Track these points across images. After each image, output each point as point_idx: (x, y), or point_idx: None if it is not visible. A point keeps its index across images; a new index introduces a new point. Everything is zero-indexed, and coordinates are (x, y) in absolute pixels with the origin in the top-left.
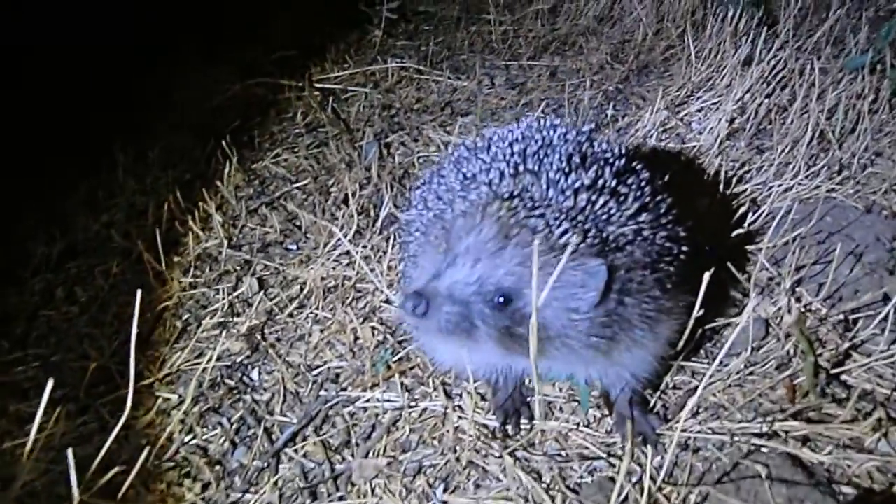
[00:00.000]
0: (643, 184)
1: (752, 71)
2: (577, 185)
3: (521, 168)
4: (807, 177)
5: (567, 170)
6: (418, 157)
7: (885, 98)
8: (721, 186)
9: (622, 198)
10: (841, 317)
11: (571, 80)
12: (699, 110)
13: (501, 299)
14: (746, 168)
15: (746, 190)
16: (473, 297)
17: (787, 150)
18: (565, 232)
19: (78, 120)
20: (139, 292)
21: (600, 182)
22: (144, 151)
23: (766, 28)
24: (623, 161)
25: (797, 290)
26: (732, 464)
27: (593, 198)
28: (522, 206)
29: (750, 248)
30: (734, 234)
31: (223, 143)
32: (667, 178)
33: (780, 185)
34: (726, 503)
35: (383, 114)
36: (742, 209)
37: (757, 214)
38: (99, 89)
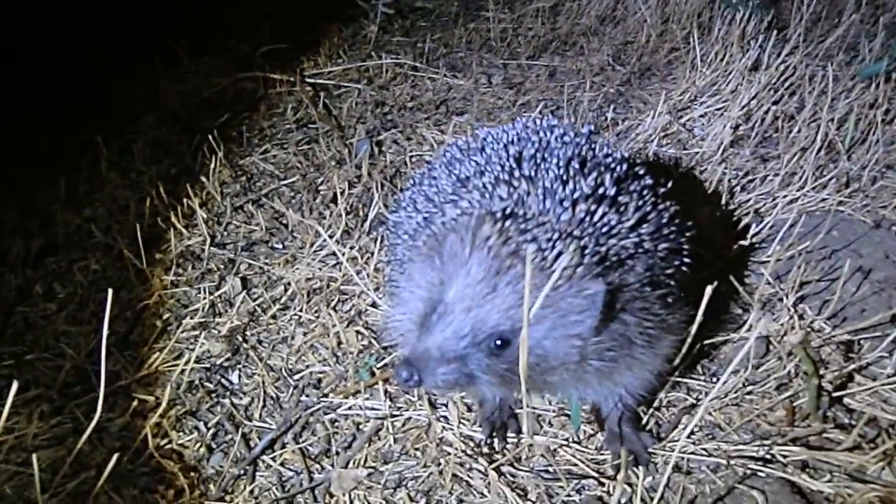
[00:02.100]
0: (644, 192)
1: (758, 76)
2: (575, 195)
3: (516, 174)
4: (813, 188)
5: (565, 177)
6: (410, 156)
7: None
8: (723, 196)
9: (622, 208)
10: (846, 337)
11: (571, 81)
12: (702, 116)
13: (499, 342)
14: (750, 177)
15: (750, 200)
16: (469, 349)
17: (793, 160)
18: (559, 254)
19: (63, 113)
20: (109, 291)
21: (600, 191)
22: (129, 146)
23: (775, 32)
24: (625, 166)
25: (800, 306)
26: (727, 488)
27: (592, 208)
28: (515, 229)
29: (752, 261)
30: (736, 246)
31: (210, 137)
32: (670, 184)
33: (785, 197)
34: None
35: (376, 111)
36: (745, 220)
37: (760, 226)
38: (85, 83)
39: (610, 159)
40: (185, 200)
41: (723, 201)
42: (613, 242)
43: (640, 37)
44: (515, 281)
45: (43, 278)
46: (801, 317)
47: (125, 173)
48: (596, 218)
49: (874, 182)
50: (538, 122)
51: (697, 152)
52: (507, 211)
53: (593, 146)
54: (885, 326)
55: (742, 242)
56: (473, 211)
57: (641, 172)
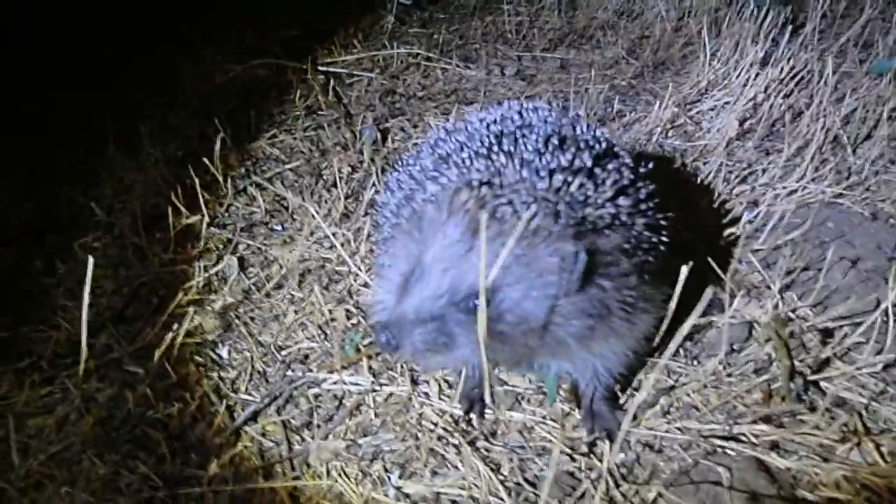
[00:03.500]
0: (622, 169)
1: (767, 71)
2: (552, 165)
3: (495, 149)
4: (813, 180)
5: (543, 150)
6: (414, 144)
7: None
8: (724, 186)
9: (600, 181)
10: (828, 323)
11: (582, 74)
12: (711, 109)
13: (476, 302)
14: (752, 169)
15: (749, 191)
16: (446, 308)
17: (796, 153)
18: (534, 215)
19: (73, 94)
20: (90, 259)
21: (577, 164)
22: (138, 128)
23: (791, 28)
24: (604, 145)
25: (786, 293)
26: (694, 464)
27: (569, 179)
28: (491, 195)
29: (744, 249)
30: (728, 233)
31: (216, 121)
32: (650, 165)
33: (784, 188)
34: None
35: (385, 99)
36: (740, 209)
37: (755, 216)
38: (99, 65)
39: (590, 138)
40: (188, 182)
41: (722, 191)
42: (590, 211)
43: (655, 31)
44: (491, 240)
45: (44, 254)
46: (786, 303)
47: (132, 154)
48: (573, 188)
49: (876, 175)
50: (523, 103)
51: (702, 144)
52: (484, 180)
53: (575, 127)
54: (868, 313)
55: (734, 230)
56: (452, 185)
57: (621, 152)
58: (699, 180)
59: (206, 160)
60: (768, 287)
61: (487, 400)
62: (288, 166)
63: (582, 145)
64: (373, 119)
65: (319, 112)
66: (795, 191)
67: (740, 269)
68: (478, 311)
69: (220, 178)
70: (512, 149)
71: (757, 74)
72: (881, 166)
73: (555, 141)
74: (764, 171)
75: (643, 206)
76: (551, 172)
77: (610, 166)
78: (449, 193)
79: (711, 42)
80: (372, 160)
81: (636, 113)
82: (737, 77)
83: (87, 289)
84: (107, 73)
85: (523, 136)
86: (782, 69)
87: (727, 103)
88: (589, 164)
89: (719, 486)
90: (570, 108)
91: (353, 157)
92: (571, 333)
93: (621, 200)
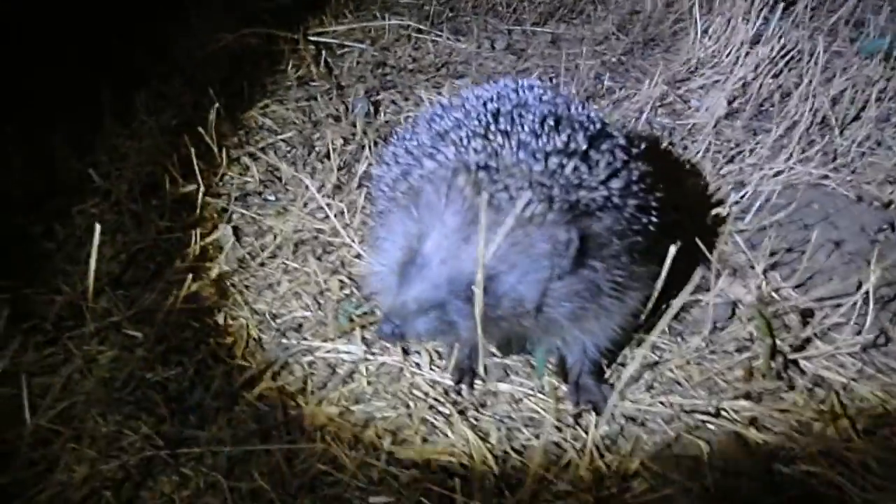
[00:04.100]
0: (616, 150)
1: (758, 49)
2: (548, 148)
3: (492, 128)
4: (800, 161)
5: (539, 132)
6: (405, 117)
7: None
8: (711, 165)
9: (593, 163)
10: (810, 304)
11: (573, 49)
12: (701, 87)
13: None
14: (740, 149)
15: (736, 171)
16: (447, 297)
17: (784, 133)
18: (529, 202)
19: (69, 63)
20: (97, 227)
21: (572, 146)
22: (132, 97)
23: (783, 5)
24: (598, 126)
25: (770, 273)
26: (676, 437)
27: (564, 161)
28: (488, 181)
29: (730, 229)
30: (714, 213)
31: (210, 91)
32: (643, 146)
33: (771, 169)
34: (661, 475)
35: (376, 71)
36: (727, 189)
37: (742, 196)
38: (93, 33)
39: (585, 119)
40: (183, 150)
41: (709, 171)
42: (583, 194)
43: (646, 6)
44: (488, 229)
45: (43, 219)
46: (769, 283)
47: (127, 123)
48: (567, 171)
49: (862, 157)
50: (519, 81)
51: (691, 123)
52: (482, 163)
53: (570, 107)
54: (849, 296)
55: (720, 210)
56: (450, 163)
57: (615, 133)
58: (687, 160)
59: (200, 129)
60: (752, 267)
61: (480, 371)
62: (280, 137)
63: (577, 126)
64: (364, 91)
65: (311, 83)
66: (782, 172)
67: (725, 249)
68: (484, 297)
69: (215, 148)
70: (509, 128)
71: (747, 53)
72: (867, 148)
73: (551, 122)
74: (752, 151)
75: (634, 188)
76: (547, 155)
77: (604, 147)
78: (447, 175)
79: (703, 19)
80: (365, 133)
81: (625, 90)
82: (727, 56)
83: (94, 255)
84: (101, 44)
85: (520, 115)
86: (773, 48)
87: (717, 82)
88: (584, 146)
89: (699, 459)
90: (560, 86)
91: (346, 129)
92: (564, 314)
93: (613, 183)
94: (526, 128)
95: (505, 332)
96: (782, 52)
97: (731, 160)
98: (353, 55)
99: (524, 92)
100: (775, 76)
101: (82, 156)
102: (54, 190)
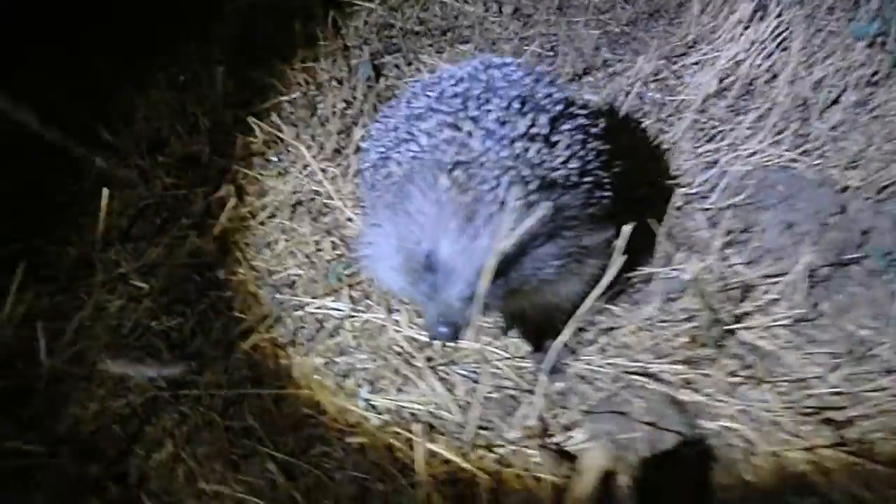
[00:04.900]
0: (574, 132)
1: (753, 26)
2: (512, 134)
3: (461, 115)
4: (773, 143)
5: (504, 119)
6: (406, 82)
7: (881, 72)
8: (691, 144)
9: (553, 145)
10: (756, 280)
11: (577, 17)
12: (696, 63)
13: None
14: (721, 128)
15: (713, 150)
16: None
17: (765, 114)
18: (510, 185)
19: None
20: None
21: (534, 130)
22: (142, 51)
23: None
24: (561, 107)
25: (727, 251)
26: (615, 394)
27: (527, 145)
28: (466, 176)
29: (696, 206)
30: (682, 191)
31: (218, 48)
32: (602, 124)
33: (745, 150)
34: (600, 426)
35: (382, 33)
36: (701, 167)
37: (712, 174)
38: None
39: (548, 100)
40: (189, 108)
41: (688, 149)
42: (546, 173)
43: None
44: (485, 223)
45: (55, 171)
46: (725, 259)
47: (136, 77)
48: (530, 154)
49: (834, 141)
50: (493, 59)
51: (681, 99)
52: (455, 160)
53: (537, 85)
54: (790, 274)
55: (688, 189)
56: (424, 155)
57: (578, 113)
58: (670, 136)
59: (208, 89)
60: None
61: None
62: (284, 98)
63: (540, 108)
64: (369, 54)
65: (318, 42)
66: (755, 153)
67: (689, 225)
68: (499, 279)
69: (221, 107)
70: (477, 114)
71: (744, 30)
72: (840, 132)
73: (516, 105)
74: (731, 130)
75: (590, 167)
76: (512, 141)
77: (564, 128)
78: (427, 178)
79: None
80: (365, 97)
81: (622, 63)
82: (724, 32)
83: (103, 215)
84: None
85: (487, 100)
86: (768, 27)
87: (712, 58)
88: (546, 129)
89: (632, 414)
90: (559, 55)
91: (348, 93)
92: (543, 279)
93: (572, 163)
94: (493, 115)
95: (510, 304)
96: (775, 35)
97: (712, 139)
98: (361, 15)
99: (496, 71)
100: (768, 56)
101: (92, 109)
102: (65, 143)
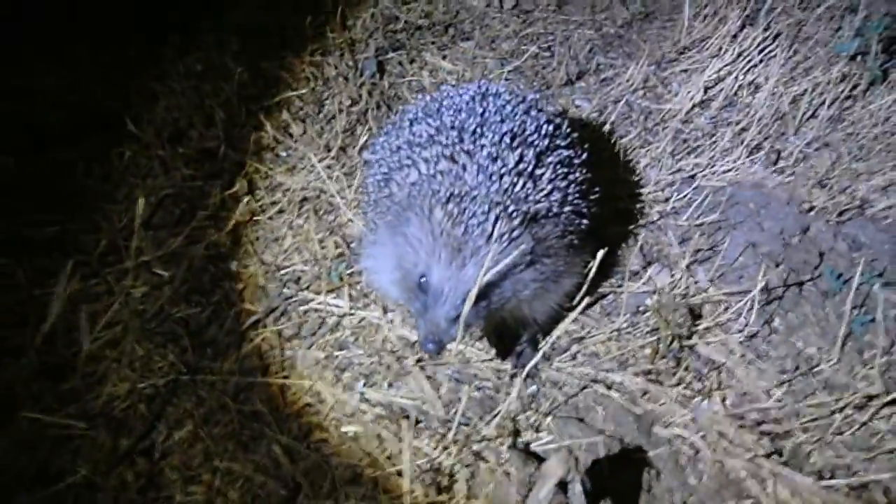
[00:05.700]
0: (558, 166)
1: (740, 36)
2: (503, 170)
3: (457, 148)
4: (748, 160)
5: (495, 154)
6: (409, 82)
7: (860, 87)
8: (671, 158)
9: (538, 180)
10: (719, 296)
11: (575, 16)
12: (684, 70)
13: (481, 303)
14: (701, 142)
15: (692, 165)
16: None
17: (746, 128)
18: (496, 220)
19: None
20: (141, 201)
21: (521, 165)
22: (161, 42)
23: None
24: (547, 141)
25: (693, 267)
26: (582, 400)
27: (514, 180)
28: (459, 210)
29: (669, 222)
30: (660, 208)
31: (234, 38)
32: (585, 154)
33: (722, 166)
34: (564, 430)
35: (387, 28)
36: (679, 183)
37: (689, 191)
38: None
39: (536, 135)
40: (205, 101)
41: (668, 164)
42: (530, 206)
43: None
44: (472, 254)
45: (83, 157)
46: (691, 276)
47: (156, 64)
48: (517, 188)
49: (804, 159)
50: (489, 87)
51: (667, 108)
52: (449, 193)
53: (527, 117)
54: (749, 292)
55: (664, 206)
56: (423, 184)
57: (563, 144)
58: (652, 148)
59: (223, 82)
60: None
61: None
62: (293, 93)
63: (528, 143)
64: (375, 50)
65: (326, 35)
66: (731, 170)
67: (662, 240)
68: (482, 302)
69: (235, 101)
70: (471, 148)
71: (733, 38)
72: (813, 149)
73: (507, 140)
74: (711, 144)
75: (570, 197)
76: (501, 176)
77: (549, 160)
78: (424, 208)
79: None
80: (370, 94)
81: (614, 69)
82: (713, 41)
83: (139, 221)
84: None
85: (481, 134)
86: (755, 38)
87: (701, 67)
88: (532, 165)
89: (594, 420)
90: (555, 56)
91: (354, 90)
92: (522, 298)
93: (554, 195)
94: (485, 151)
95: (490, 317)
96: (761, 47)
97: (693, 151)
98: (367, 9)
99: (491, 102)
100: (754, 66)
101: (117, 97)
102: (91, 128)
